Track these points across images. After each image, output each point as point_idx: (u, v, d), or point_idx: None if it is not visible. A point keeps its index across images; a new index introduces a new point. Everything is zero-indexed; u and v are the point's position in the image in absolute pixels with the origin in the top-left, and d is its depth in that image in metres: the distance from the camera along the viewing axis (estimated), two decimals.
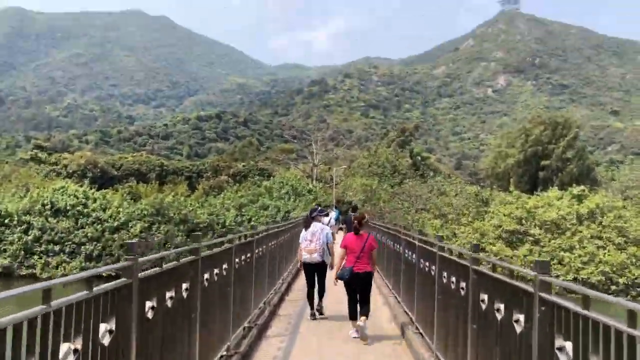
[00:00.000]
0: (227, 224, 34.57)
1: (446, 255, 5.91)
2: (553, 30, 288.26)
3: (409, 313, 8.59)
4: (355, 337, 8.02)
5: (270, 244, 10.03)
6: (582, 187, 39.41)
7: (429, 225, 35.68)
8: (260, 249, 8.67)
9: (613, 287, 30.22)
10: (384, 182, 53.42)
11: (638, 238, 33.61)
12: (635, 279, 31.10)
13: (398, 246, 10.19)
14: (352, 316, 8.32)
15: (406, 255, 9.06)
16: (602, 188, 49.56)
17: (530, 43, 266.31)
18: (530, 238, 34.44)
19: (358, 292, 8.23)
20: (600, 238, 33.54)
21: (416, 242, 7.84)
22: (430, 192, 42.45)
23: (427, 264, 6.92)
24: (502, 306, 3.91)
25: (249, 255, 7.39)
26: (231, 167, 66.54)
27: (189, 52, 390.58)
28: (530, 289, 3.34)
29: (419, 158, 64.49)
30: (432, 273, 6.49)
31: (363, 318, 7.98)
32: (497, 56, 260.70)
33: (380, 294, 12.10)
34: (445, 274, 5.78)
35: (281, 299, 10.81)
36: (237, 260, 6.46)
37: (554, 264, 32.52)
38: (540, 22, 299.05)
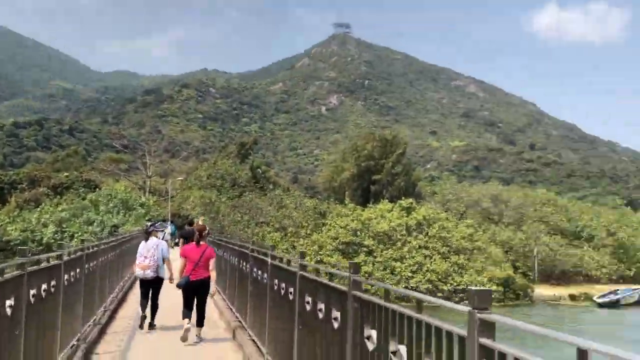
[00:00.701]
0: (44, 241, 30.91)
1: (311, 276, 4.74)
2: (381, 54, 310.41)
3: (259, 344, 7.37)
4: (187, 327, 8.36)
5: (88, 265, 8.21)
6: (410, 200, 42.12)
7: (269, 239, 35.10)
8: (73, 273, 6.86)
9: (439, 295, 32.26)
10: (223, 194, 51.85)
11: (459, 247, 36.64)
12: (457, 285, 33.75)
13: (245, 264, 8.98)
14: (185, 316, 8.61)
15: (255, 274, 7.88)
16: (426, 201, 53.40)
17: (361, 66, 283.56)
18: (365, 249, 35.68)
19: (196, 299, 8.78)
20: (427, 248, 35.88)
21: (269, 260, 6.68)
22: (270, 205, 42.04)
23: (283, 285, 5.78)
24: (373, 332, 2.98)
25: (53, 283, 5.60)
26: (51, 178, 59.54)
27: (5, 52, 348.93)
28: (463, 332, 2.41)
29: (259, 171, 63.86)
30: (291, 297, 5.37)
31: (198, 329, 8.74)
32: (330, 76, 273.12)
33: (221, 318, 10.77)
34: (309, 299, 4.68)
35: (102, 332, 8.95)
36: (32, 292, 4.72)
37: (386, 274, 33.99)
38: (370, 47, 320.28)
